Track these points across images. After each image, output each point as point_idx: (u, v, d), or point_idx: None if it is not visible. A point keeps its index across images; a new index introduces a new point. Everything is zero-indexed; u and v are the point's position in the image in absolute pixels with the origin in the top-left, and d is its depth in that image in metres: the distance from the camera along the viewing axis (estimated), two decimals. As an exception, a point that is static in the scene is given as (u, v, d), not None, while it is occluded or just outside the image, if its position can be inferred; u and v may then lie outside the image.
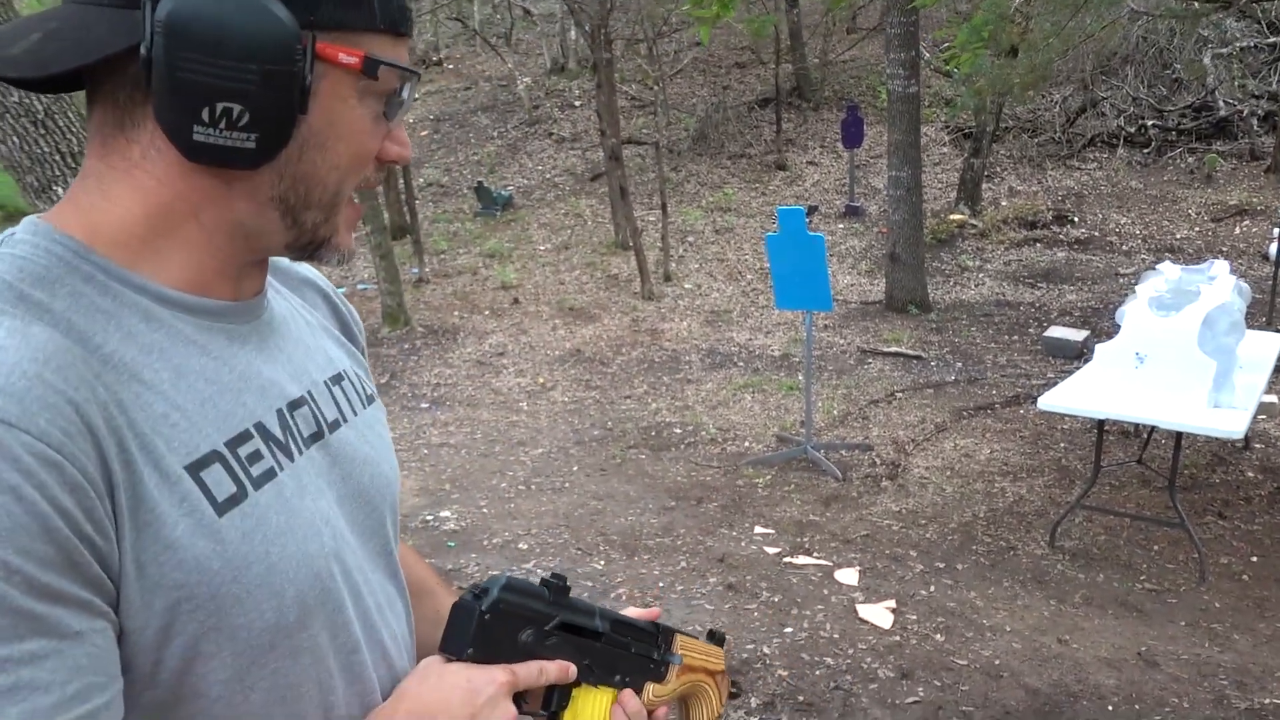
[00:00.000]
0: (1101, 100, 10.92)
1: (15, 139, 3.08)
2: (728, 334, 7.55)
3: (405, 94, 0.69)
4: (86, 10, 0.61)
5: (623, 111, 11.37)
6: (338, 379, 0.79)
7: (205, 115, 0.60)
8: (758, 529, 4.24)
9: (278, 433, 0.69)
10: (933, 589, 3.68)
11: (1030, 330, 7.21)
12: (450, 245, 10.18)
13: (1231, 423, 3.40)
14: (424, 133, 13.41)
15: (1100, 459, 3.96)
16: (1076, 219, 9.58)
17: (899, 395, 6.01)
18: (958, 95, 11.91)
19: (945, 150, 11.35)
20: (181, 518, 0.60)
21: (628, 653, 0.82)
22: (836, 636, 3.31)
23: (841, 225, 10.06)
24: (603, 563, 3.91)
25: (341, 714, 0.70)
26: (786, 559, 3.92)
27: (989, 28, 4.54)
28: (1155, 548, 3.96)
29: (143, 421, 0.60)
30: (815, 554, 3.97)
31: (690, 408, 5.98)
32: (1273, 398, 5.18)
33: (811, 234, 4.49)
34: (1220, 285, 3.83)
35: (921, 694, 2.99)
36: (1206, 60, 10.53)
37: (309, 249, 0.70)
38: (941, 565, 3.88)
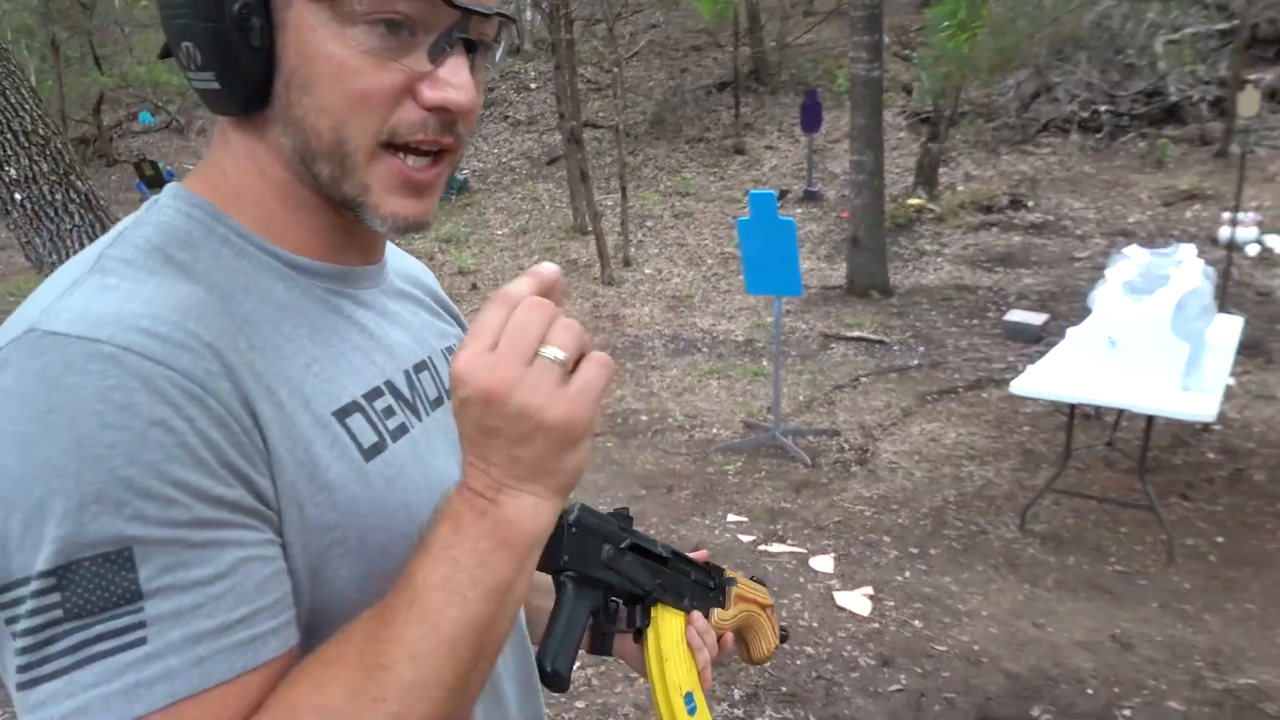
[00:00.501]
0: (1055, 85, 11.04)
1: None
2: (690, 319, 7.49)
3: (439, 22, 0.61)
4: None
5: (579, 94, 11.22)
6: (450, 350, 0.81)
7: (183, 59, 0.62)
8: (730, 517, 4.19)
9: (406, 392, 0.71)
10: (908, 575, 3.67)
11: (989, 314, 7.26)
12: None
13: (1203, 406, 3.42)
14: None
15: (1071, 442, 3.98)
16: (1031, 203, 9.68)
17: (863, 380, 6.01)
18: (915, 80, 11.97)
19: (902, 135, 11.39)
20: (334, 460, 0.61)
21: (689, 579, 0.86)
22: (816, 625, 3.28)
23: (800, 210, 10.04)
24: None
25: None
26: (761, 547, 3.88)
27: (970, 7, 4.51)
28: (1123, 530, 3.99)
29: (289, 368, 0.61)
30: (789, 541, 3.94)
31: (656, 394, 5.91)
32: (1231, 380, 5.26)
33: (782, 219, 4.43)
34: (1189, 269, 3.85)
35: (903, 681, 2.97)
36: (1158, 46, 10.69)
37: (349, 206, 0.65)
38: (915, 550, 3.86)
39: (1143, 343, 3.63)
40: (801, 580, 3.60)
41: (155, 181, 8.35)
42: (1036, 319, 6.64)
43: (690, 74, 13.39)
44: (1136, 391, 3.56)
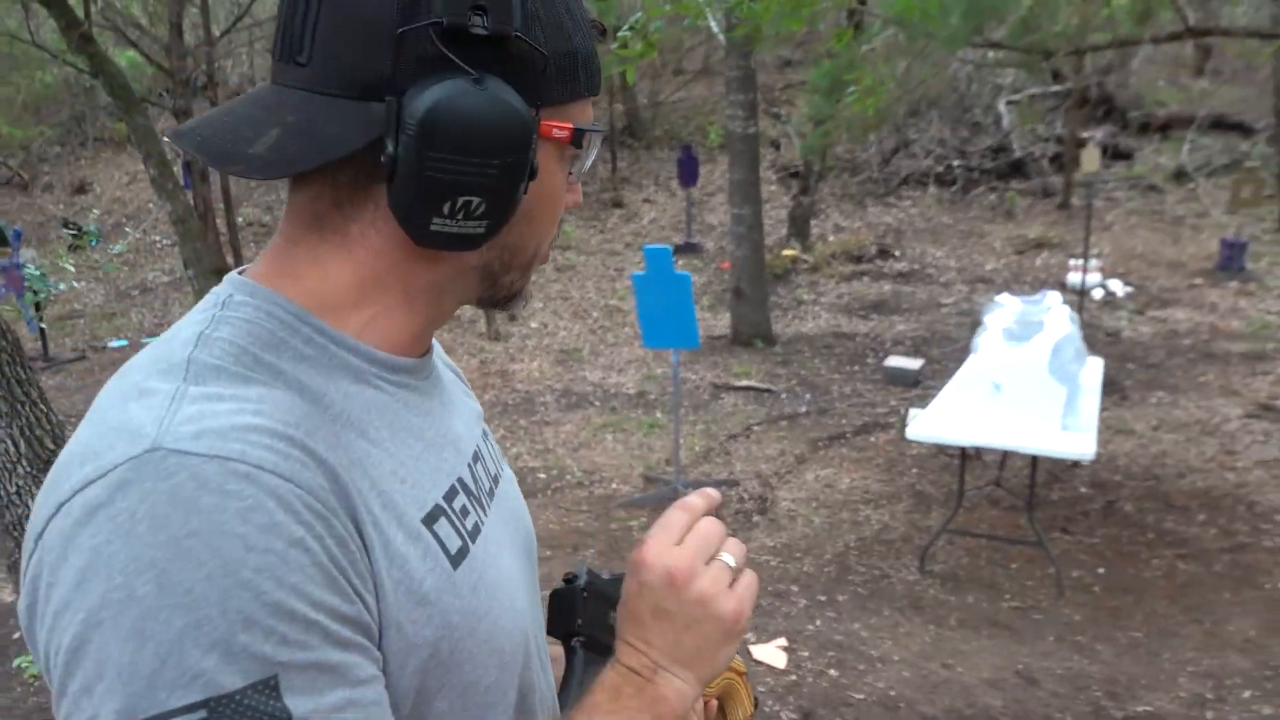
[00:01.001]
0: (913, 142, 11.71)
1: None
2: (580, 373, 7.47)
3: (594, 149, 0.70)
4: (316, 101, 0.61)
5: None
6: (485, 433, 0.81)
7: (446, 209, 0.61)
8: (639, 574, 4.15)
9: (473, 487, 0.71)
10: (819, 623, 3.71)
11: (869, 360, 7.54)
12: (277, 287, 9.60)
13: (1083, 444, 3.63)
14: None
15: (964, 484, 4.14)
16: (898, 253, 10.18)
17: (756, 429, 6.11)
18: (783, 136, 12.48)
19: (774, 188, 11.80)
20: (428, 573, 0.61)
21: None
22: (735, 682, 3.26)
23: (681, 261, 10.22)
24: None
25: None
26: (672, 604, 3.85)
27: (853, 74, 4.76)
28: (1013, 566, 4.16)
29: (380, 478, 0.60)
30: (700, 596, 3.92)
31: (552, 450, 5.84)
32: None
33: (678, 273, 4.49)
34: (1059, 315, 4.10)
35: (826, 734, 2.98)
36: (1001, 106, 11.52)
37: (501, 303, 0.71)
38: (823, 598, 3.92)
39: (1024, 386, 3.84)
40: (716, 636, 3.58)
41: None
42: (914, 364, 6.93)
43: (566, 129, 13.55)
44: (1022, 433, 3.75)
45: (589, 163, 0.71)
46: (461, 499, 0.68)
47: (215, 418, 0.53)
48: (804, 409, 6.47)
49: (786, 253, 10.04)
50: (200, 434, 0.52)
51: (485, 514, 0.71)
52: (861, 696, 3.18)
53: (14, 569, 3.74)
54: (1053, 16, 4.86)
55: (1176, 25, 4.62)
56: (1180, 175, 10.88)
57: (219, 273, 9.14)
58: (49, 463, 3.20)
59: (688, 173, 10.36)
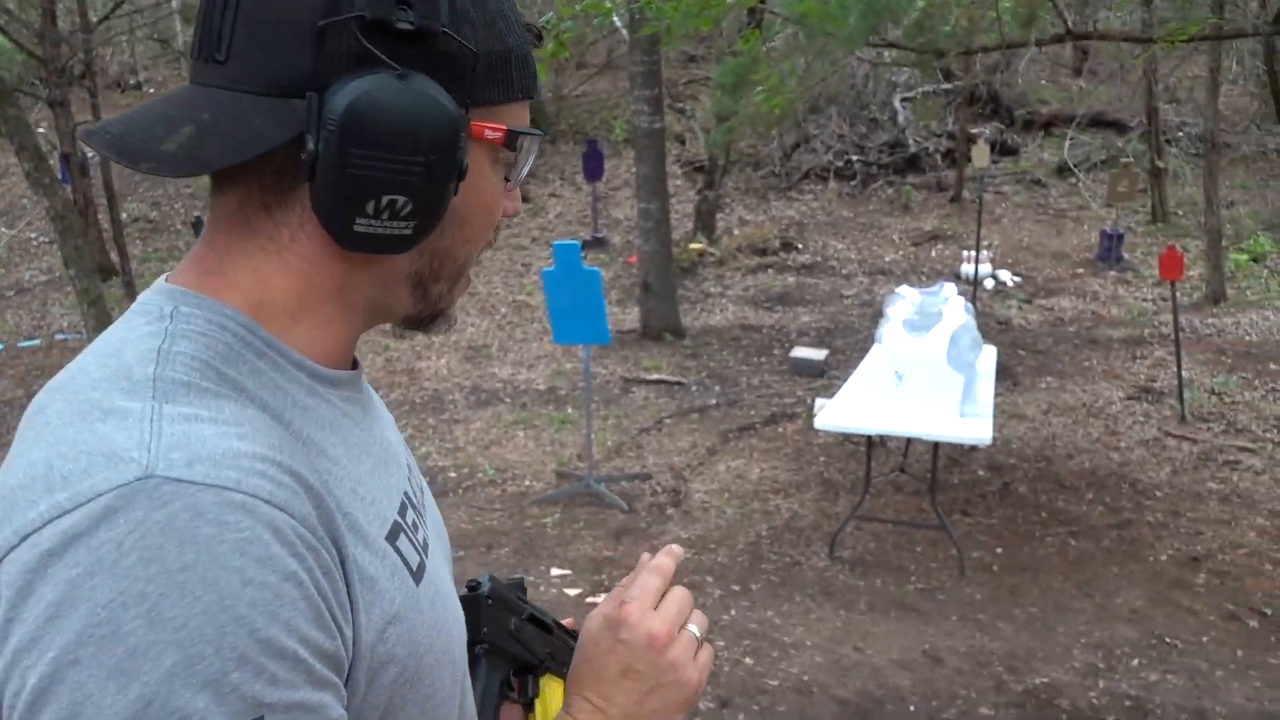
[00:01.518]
0: (813, 137, 11.96)
1: None
2: (489, 369, 7.38)
3: (532, 154, 0.69)
4: (237, 98, 0.58)
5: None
6: (406, 445, 0.79)
7: (370, 208, 0.59)
8: (554, 570, 4.14)
9: (415, 499, 0.70)
10: (733, 613, 3.77)
11: (775, 351, 7.67)
12: (167, 287, 9.18)
13: (980, 430, 3.78)
14: (124, 162, 12.07)
15: (870, 471, 4.26)
16: (801, 246, 10.38)
17: (667, 422, 6.15)
18: (687, 131, 12.58)
19: (679, 183, 11.89)
20: (396, 591, 0.60)
21: (569, 648, 0.88)
22: (653, 675, 3.28)
23: (588, 256, 10.21)
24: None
25: None
26: (589, 599, 3.85)
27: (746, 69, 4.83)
28: (918, 549, 4.31)
29: (344, 498, 0.59)
30: (616, 591, 3.93)
31: (462, 449, 5.76)
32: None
33: (587, 268, 4.48)
34: (955, 306, 4.26)
35: (743, 721, 3.03)
36: (897, 103, 11.87)
37: (425, 321, 0.69)
38: (737, 588, 3.98)
39: (924, 375, 3.97)
40: (634, 630, 3.60)
41: None
42: (818, 354, 7.09)
43: (468, 122, 13.37)
44: (923, 420, 3.88)
45: (525, 169, 0.69)
46: (411, 513, 0.67)
47: (203, 443, 0.51)
48: (714, 401, 6.54)
49: (693, 246, 10.13)
50: (193, 460, 0.50)
51: (426, 525, 0.70)
52: (776, 683, 3.24)
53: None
54: (944, 18, 5.03)
55: (1058, 29, 4.84)
56: (1062, 170, 11.41)
57: (102, 271, 8.70)
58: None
59: (593, 167, 10.34)
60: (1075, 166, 11.34)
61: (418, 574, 0.63)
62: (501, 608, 0.79)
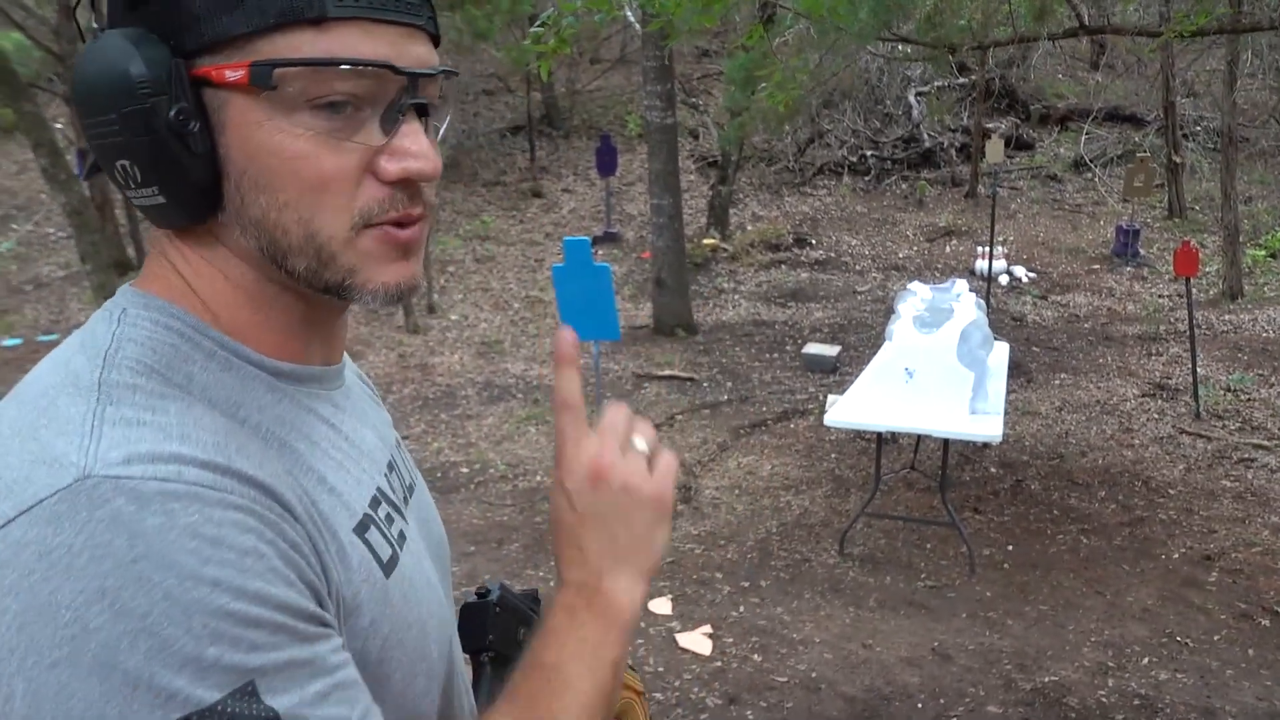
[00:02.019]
0: (827, 132, 11.91)
1: None
2: (502, 365, 7.41)
3: (357, 87, 0.57)
4: None
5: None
6: (398, 443, 0.79)
7: (120, 178, 0.58)
8: (564, 567, 4.15)
9: (391, 495, 0.69)
10: (742, 609, 3.77)
11: (787, 347, 7.66)
12: (183, 282, 9.25)
13: (990, 427, 3.77)
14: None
15: (880, 468, 4.25)
16: (814, 241, 10.36)
17: (679, 418, 6.16)
18: (700, 126, 12.56)
19: (692, 178, 11.88)
20: (362, 583, 0.59)
21: None
22: (662, 669, 3.30)
23: (601, 251, 10.22)
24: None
25: None
26: (599, 595, 3.86)
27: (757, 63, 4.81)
28: (928, 546, 4.30)
29: (309, 488, 0.59)
30: (626, 587, 3.95)
31: (474, 444, 5.79)
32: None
33: (598, 264, 4.49)
34: (967, 303, 4.24)
35: (750, 717, 3.04)
36: (911, 98, 11.80)
37: (336, 294, 0.62)
38: (746, 584, 3.98)
39: (935, 372, 3.96)
40: (643, 624, 3.61)
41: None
42: (831, 351, 7.07)
43: (483, 118, 13.36)
44: (934, 417, 3.87)
45: (397, 109, 0.59)
46: (385, 507, 0.67)
47: (141, 443, 0.51)
48: (726, 397, 6.54)
49: (706, 242, 10.12)
50: (130, 459, 0.50)
51: (406, 520, 0.70)
52: (784, 679, 3.25)
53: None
54: (956, 12, 5.01)
55: (1072, 23, 4.81)
56: (1078, 165, 11.33)
57: (119, 266, 8.78)
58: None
59: (606, 162, 10.33)
60: (1091, 161, 11.26)
61: (388, 566, 0.62)
62: (510, 616, 0.78)
